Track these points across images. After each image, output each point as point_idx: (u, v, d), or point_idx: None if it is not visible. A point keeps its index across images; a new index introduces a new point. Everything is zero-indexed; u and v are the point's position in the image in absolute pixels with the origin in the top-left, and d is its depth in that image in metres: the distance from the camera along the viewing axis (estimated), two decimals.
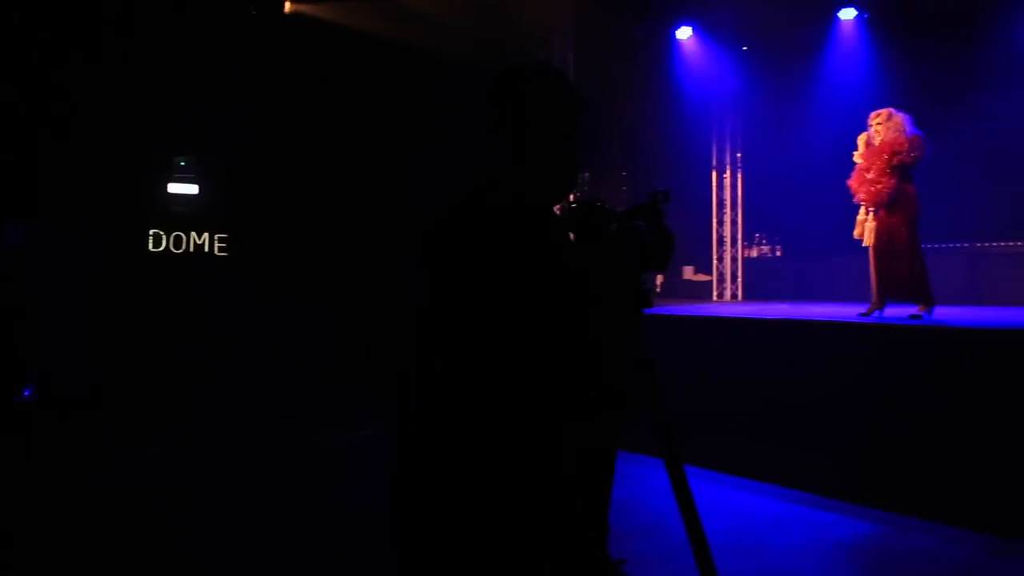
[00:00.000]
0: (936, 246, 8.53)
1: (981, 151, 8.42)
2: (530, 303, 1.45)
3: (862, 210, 6.41)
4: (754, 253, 11.14)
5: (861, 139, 6.58)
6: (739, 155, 10.88)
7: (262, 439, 6.57)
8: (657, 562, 3.74)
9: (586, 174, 10.48)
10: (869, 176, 6.31)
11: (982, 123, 8.30)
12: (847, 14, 9.40)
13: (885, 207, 6.25)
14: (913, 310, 6.17)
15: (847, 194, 6.58)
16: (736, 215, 10.85)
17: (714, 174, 10.89)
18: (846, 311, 6.99)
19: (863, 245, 6.40)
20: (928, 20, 8.89)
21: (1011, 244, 8.61)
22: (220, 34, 8.35)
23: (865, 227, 6.34)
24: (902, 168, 6.20)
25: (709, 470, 5.45)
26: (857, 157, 6.51)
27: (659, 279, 11.29)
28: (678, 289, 11.03)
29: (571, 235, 1.71)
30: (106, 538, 4.22)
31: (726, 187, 10.86)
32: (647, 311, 1.78)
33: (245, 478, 5.49)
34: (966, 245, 8.81)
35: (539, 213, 1.54)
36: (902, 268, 6.23)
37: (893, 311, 6.47)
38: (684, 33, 10.11)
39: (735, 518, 4.54)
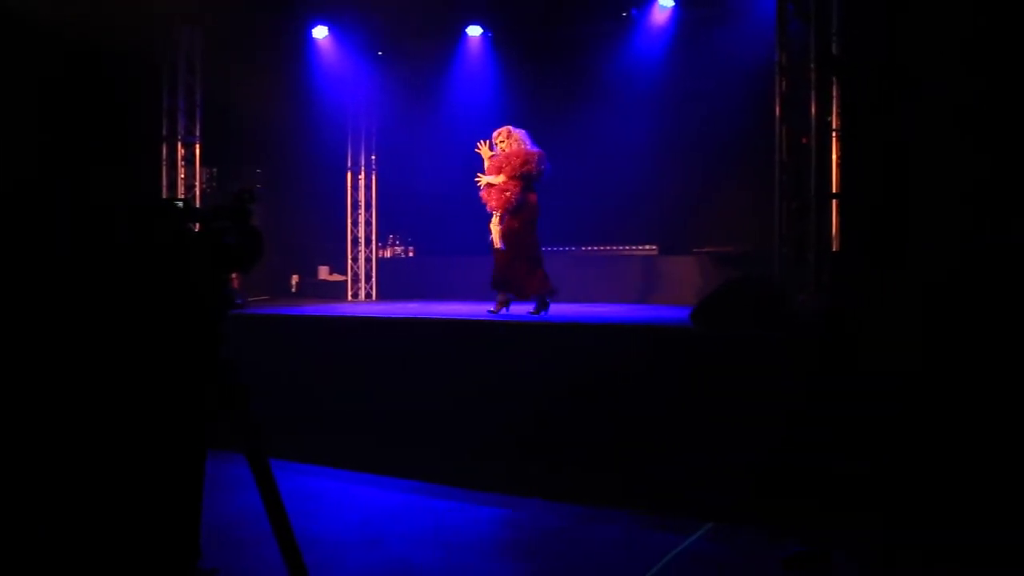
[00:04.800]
0: (546, 249, 9.41)
1: (584, 164, 9.43)
2: (82, 304, 1.36)
3: (495, 217, 6.88)
4: (388, 253, 11.43)
5: (484, 154, 7.07)
6: (374, 157, 11.09)
7: None
8: (268, 568, 3.67)
9: (215, 169, 10.00)
10: (497, 183, 6.80)
11: (584, 140, 9.32)
12: (474, 31, 10.00)
13: (511, 212, 6.78)
14: (531, 307, 6.75)
15: (474, 197, 7.06)
16: (371, 216, 11.04)
17: (349, 175, 10.98)
18: (474, 309, 7.47)
19: (497, 248, 6.87)
20: (543, 44, 9.78)
21: (607, 248, 9.73)
22: None
23: (494, 231, 6.85)
24: (527, 177, 6.78)
25: (336, 468, 5.48)
26: (483, 177, 6.99)
27: (294, 279, 11.13)
28: (314, 290, 10.95)
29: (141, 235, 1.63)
30: None
31: (361, 188, 11.00)
32: (233, 311, 1.74)
33: None
34: (571, 249, 9.81)
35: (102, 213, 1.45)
36: (521, 269, 6.78)
37: (518, 308, 7.01)
38: (320, 32, 10.06)
39: (359, 512, 4.61)
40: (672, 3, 8.89)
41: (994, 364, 3.91)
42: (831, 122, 6.22)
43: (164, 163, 8.83)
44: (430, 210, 10.35)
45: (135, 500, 1.46)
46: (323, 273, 11.06)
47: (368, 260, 11.02)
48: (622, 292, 9.13)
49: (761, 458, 4.34)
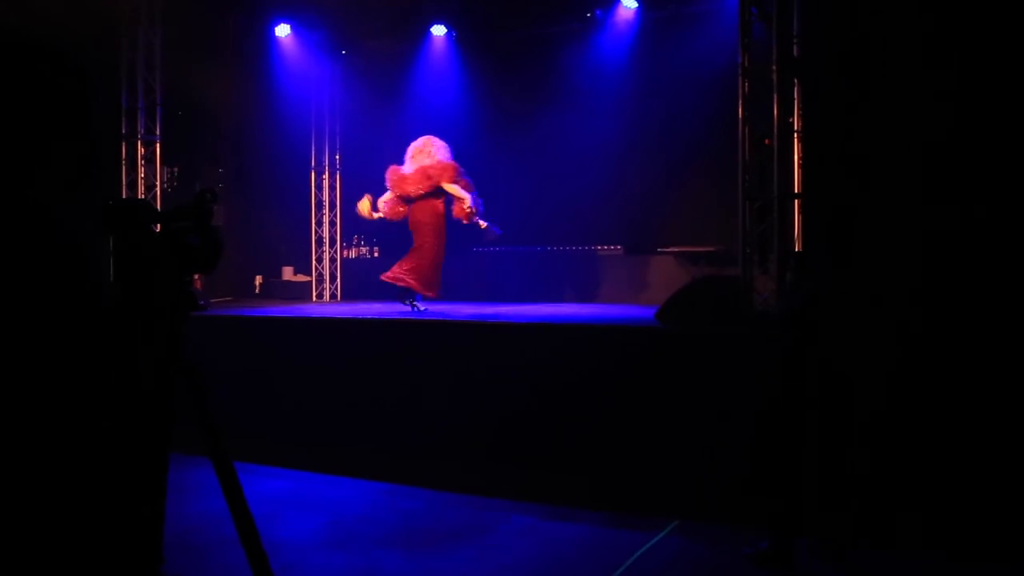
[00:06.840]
0: (511, 249, 9.44)
1: (549, 164, 9.45)
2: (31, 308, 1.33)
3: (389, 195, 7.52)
4: (352, 254, 11.35)
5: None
6: (338, 156, 11.00)
7: None
8: (234, 573, 3.63)
9: (176, 169, 9.86)
10: (410, 188, 7.36)
11: (549, 140, 9.33)
12: (438, 30, 9.97)
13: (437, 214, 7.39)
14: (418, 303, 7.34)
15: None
16: (335, 216, 10.96)
17: (313, 175, 10.89)
18: (442, 308, 7.45)
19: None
20: (507, 44, 9.79)
21: (572, 248, 9.72)
22: None
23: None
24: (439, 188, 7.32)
25: (303, 471, 5.44)
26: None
27: (258, 280, 11.00)
28: (278, 290, 10.82)
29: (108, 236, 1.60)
30: None
31: (325, 188, 10.91)
32: (196, 313, 1.71)
33: None
34: (537, 248, 9.78)
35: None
36: (425, 264, 7.33)
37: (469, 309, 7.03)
38: (283, 30, 9.96)
39: (327, 514, 4.58)
40: (636, 4, 8.94)
41: (960, 363, 3.98)
42: (793, 123, 6.29)
43: (123, 162, 8.68)
44: None
45: (97, 505, 1.44)
46: (287, 274, 10.95)
47: (332, 260, 10.94)
48: (588, 292, 9.17)
49: (728, 456, 4.38)
